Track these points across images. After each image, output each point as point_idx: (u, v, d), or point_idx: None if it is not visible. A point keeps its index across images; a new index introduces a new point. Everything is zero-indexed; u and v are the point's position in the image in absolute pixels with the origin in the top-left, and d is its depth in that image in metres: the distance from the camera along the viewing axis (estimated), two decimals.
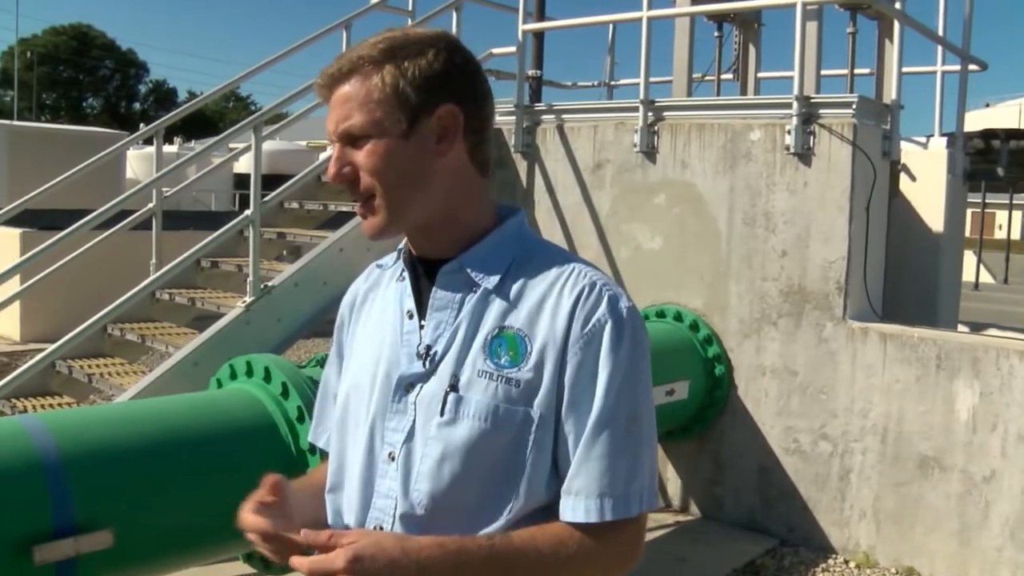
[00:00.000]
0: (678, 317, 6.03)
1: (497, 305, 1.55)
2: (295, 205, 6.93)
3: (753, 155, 5.82)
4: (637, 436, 1.51)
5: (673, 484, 6.30)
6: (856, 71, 7.31)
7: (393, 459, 1.55)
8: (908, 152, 6.46)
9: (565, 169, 6.71)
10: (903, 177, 6.48)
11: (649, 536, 5.79)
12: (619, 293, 1.55)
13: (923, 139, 6.88)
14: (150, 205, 6.80)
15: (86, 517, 2.96)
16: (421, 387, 1.55)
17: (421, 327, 1.58)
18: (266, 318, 5.60)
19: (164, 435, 3.29)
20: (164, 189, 7.00)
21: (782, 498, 5.77)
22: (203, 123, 48.00)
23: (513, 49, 7.13)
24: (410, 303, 1.61)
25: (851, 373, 5.49)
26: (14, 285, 6.93)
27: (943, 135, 7.01)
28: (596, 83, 9.46)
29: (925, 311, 6.45)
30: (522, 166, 6.95)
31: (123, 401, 4.81)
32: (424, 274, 1.62)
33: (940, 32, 7.13)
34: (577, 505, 1.48)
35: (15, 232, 10.82)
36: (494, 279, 1.56)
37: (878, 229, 5.80)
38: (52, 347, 5.64)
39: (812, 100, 5.65)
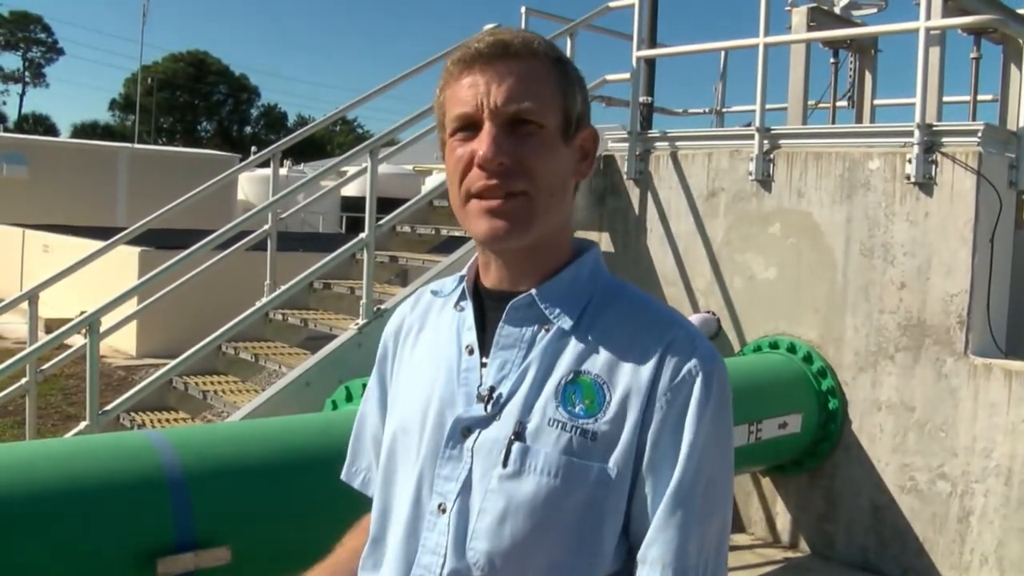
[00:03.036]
0: (792, 349, 5.91)
1: (573, 347, 1.39)
2: (407, 229, 7.00)
3: (872, 184, 5.68)
4: (714, 502, 1.36)
5: (782, 519, 6.15)
6: (979, 97, 7.10)
7: (444, 511, 1.38)
8: None
9: (678, 197, 6.65)
10: None
11: (757, 572, 5.67)
12: (710, 346, 1.41)
13: None
14: (265, 227, 6.95)
15: (207, 533, 3.01)
16: (480, 432, 1.38)
17: (483, 365, 1.42)
18: (378, 341, 5.64)
19: (284, 455, 3.34)
20: (278, 211, 7.15)
21: (897, 538, 5.58)
22: (311, 146, 49.07)
23: (627, 76, 7.11)
24: (471, 337, 1.45)
25: (973, 411, 5.30)
26: (132, 302, 7.16)
27: None
28: (707, 110, 9.38)
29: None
30: (634, 193, 6.91)
31: (245, 420, 4.90)
32: (487, 307, 1.46)
33: None
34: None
35: (134, 251, 11.19)
36: (571, 318, 1.40)
37: (1003, 261, 5.59)
38: (171, 364, 5.79)
39: (935, 128, 5.49)
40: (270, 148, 7.40)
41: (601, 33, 7.94)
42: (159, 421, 5.76)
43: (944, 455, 5.40)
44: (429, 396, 1.44)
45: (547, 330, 1.40)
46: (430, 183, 7.32)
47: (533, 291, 1.41)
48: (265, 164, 7.71)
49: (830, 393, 5.75)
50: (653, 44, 8.06)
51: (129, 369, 10.68)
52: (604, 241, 7.02)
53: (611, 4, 7.30)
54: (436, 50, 7.59)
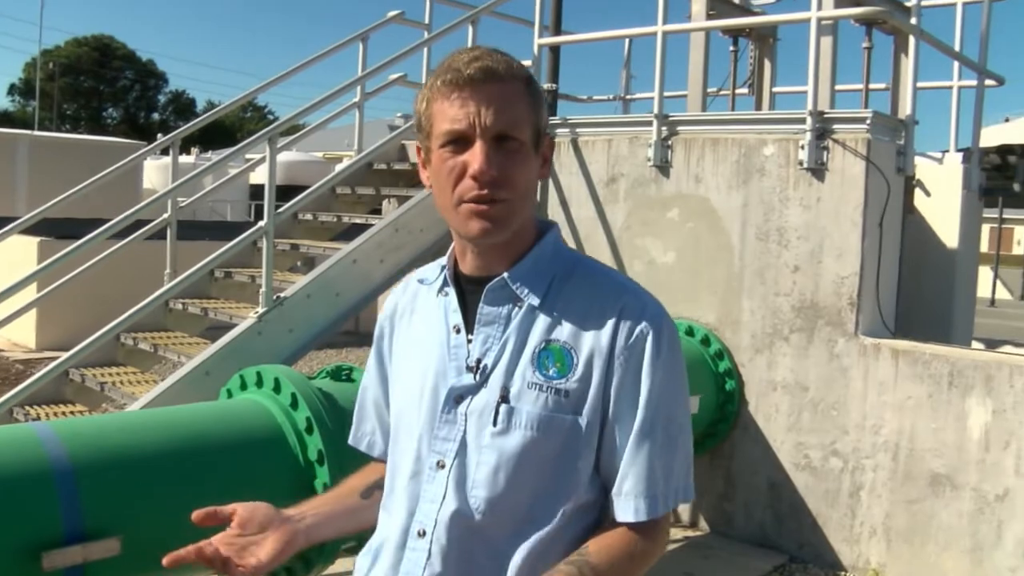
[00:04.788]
0: (690, 331, 6.02)
1: (542, 320, 1.64)
2: (309, 217, 6.96)
3: (767, 170, 5.82)
4: (675, 436, 1.64)
5: None
6: (871, 86, 7.30)
7: (443, 467, 1.63)
8: (923, 168, 6.43)
9: (579, 183, 6.71)
10: (918, 193, 6.46)
11: None
12: (657, 304, 1.67)
13: (939, 154, 6.86)
14: (165, 215, 6.84)
15: (95, 524, 2.97)
16: (471, 399, 1.63)
17: (469, 341, 1.66)
18: (278, 329, 5.62)
19: (174, 445, 3.31)
20: (180, 199, 7.04)
21: (792, 514, 5.75)
22: (221, 133, 48.22)
23: (529, 63, 7.14)
24: (457, 318, 1.69)
25: (863, 389, 5.47)
26: (31, 293, 6.99)
27: (959, 151, 6.99)
28: (612, 97, 9.47)
29: (940, 327, 6.43)
30: None
31: (134, 410, 4.83)
32: (467, 290, 1.70)
33: (957, 47, 7.11)
34: (628, 506, 1.61)
35: (33, 241, 10.90)
36: (538, 295, 1.65)
37: (891, 244, 5.78)
38: (65, 355, 5.68)
39: (826, 115, 5.64)
40: (170, 135, 7.29)
41: (505, 20, 7.96)
42: (56, 414, 5.63)
43: (836, 432, 5.57)
44: (425, 371, 1.69)
45: (519, 307, 1.65)
46: (338, 170, 7.26)
47: (505, 274, 1.65)
48: (169, 151, 7.58)
49: (727, 375, 5.88)
50: (558, 31, 8.12)
51: (28, 363, 10.41)
52: None
53: None
54: (345, 33, 7.53)
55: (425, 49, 7.66)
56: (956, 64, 7.34)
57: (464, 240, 1.67)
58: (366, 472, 1.93)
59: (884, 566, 5.39)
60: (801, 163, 5.64)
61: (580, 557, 1.57)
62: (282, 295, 5.67)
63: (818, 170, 5.61)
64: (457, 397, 1.64)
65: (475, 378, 1.64)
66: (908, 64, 6.03)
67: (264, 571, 1.67)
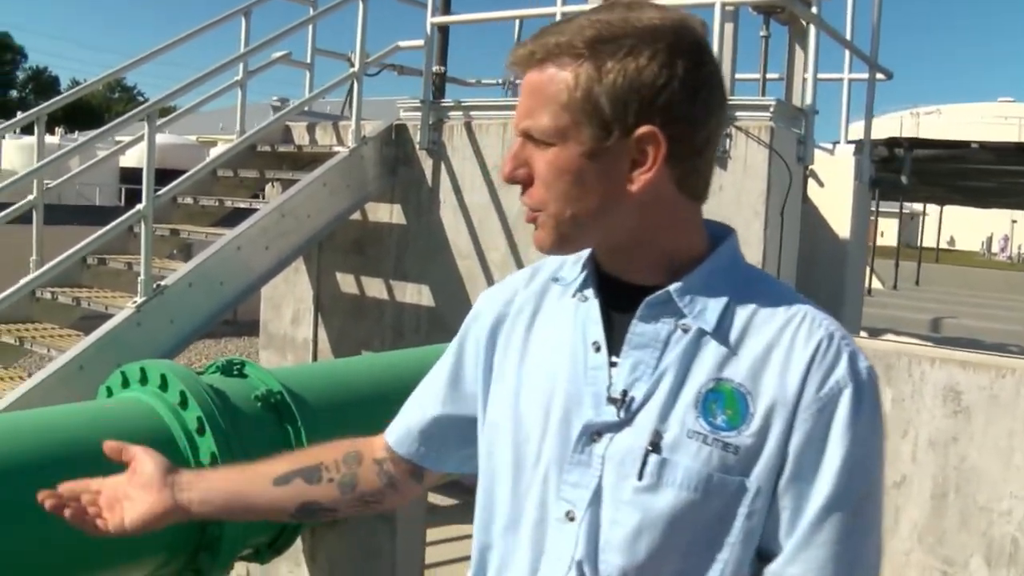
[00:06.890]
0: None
1: (713, 350, 1.28)
2: (189, 200, 6.60)
3: None
4: (869, 516, 1.28)
5: None
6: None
7: (572, 519, 1.31)
8: (816, 158, 6.45)
9: (472, 168, 6.53)
10: (811, 183, 6.49)
11: None
12: (858, 349, 1.30)
13: (830, 145, 6.90)
14: (30, 197, 6.36)
15: None
16: (612, 438, 1.29)
17: (612, 364, 1.32)
18: (158, 319, 5.28)
19: (51, 450, 2.99)
20: (46, 180, 6.58)
21: None
22: (87, 114, 46.36)
23: (421, 43, 6.92)
24: (597, 332, 1.33)
25: None
26: None
27: (849, 142, 7.05)
28: (499, 81, 9.30)
29: (832, 316, 6.46)
30: (428, 164, 6.74)
31: (2, 413, 4.44)
32: (610, 297, 1.35)
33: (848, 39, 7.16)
34: None
35: None
36: (712, 318, 1.29)
37: (792, 234, 5.77)
38: None
39: (730, 102, 5.57)
40: (34, 111, 6.79)
41: None
42: None
43: None
44: (551, 392, 1.35)
45: (684, 330, 1.29)
46: (215, 154, 6.91)
47: (672, 287, 1.29)
48: (31, 131, 7.08)
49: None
50: (447, 11, 7.90)
51: None
52: (396, 213, 6.84)
53: None
54: (219, 13, 7.16)
55: (310, 27, 7.35)
56: (847, 56, 7.37)
57: None
58: (295, 457, 1.61)
59: None
60: None
61: None
62: (163, 283, 5.33)
63: (721, 158, 5.54)
64: (593, 434, 1.30)
65: (619, 414, 1.28)
66: (806, 54, 6.03)
67: (124, 535, 1.50)
